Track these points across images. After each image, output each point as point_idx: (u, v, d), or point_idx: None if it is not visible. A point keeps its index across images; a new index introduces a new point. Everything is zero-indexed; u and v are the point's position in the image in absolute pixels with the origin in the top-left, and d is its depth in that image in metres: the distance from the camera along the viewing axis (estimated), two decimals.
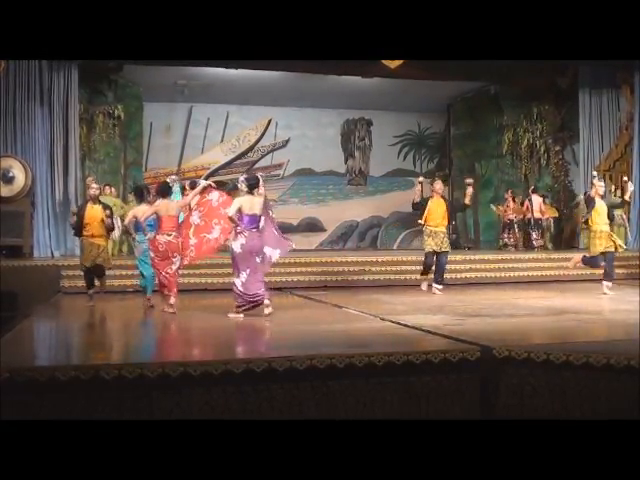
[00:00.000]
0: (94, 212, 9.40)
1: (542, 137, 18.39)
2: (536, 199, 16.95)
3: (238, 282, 7.95)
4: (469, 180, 11.36)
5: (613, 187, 15.73)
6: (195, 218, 8.59)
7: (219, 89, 18.17)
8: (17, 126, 13.52)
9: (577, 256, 11.14)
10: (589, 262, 10.67)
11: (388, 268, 12.77)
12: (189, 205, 8.61)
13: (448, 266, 13.05)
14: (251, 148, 20.98)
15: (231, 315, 7.95)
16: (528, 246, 16.82)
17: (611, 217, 11.16)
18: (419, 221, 10.62)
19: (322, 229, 21.37)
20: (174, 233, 8.32)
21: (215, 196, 8.83)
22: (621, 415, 4.63)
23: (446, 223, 10.72)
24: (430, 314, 8.01)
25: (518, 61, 11.39)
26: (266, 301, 7.99)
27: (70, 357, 6.13)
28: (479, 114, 19.91)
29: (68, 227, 13.94)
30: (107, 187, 14.86)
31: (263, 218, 8.16)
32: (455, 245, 17.80)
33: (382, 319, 7.54)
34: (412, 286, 11.98)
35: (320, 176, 21.45)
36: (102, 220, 9.36)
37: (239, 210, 7.87)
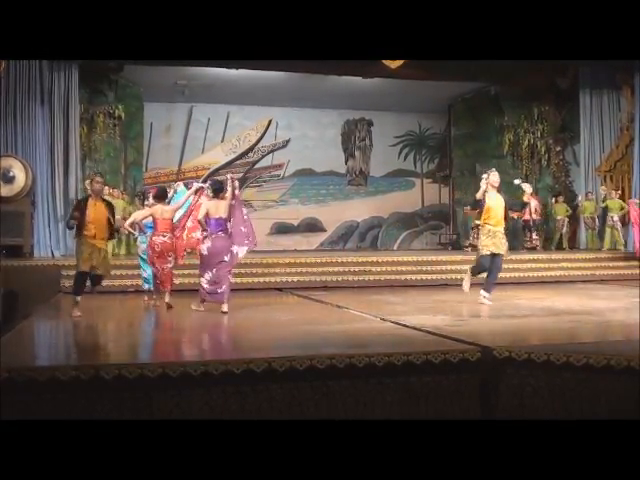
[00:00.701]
0: (98, 209, 8.20)
1: (543, 138, 18.40)
2: (533, 201, 17.01)
3: (203, 280, 8.51)
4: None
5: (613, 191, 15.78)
6: (189, 222, 9.31)
7: (219, 89, 18.18)
8: (17, 126, 13.53)
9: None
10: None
11: (388, 268, 12.77)
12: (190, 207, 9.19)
13: (448, 266, 13.09)
14: (251, 148, 21.00)
15: (193, 306, 8.66)
16: (527, 247, 16.90)
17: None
18: (476, 221, 9.46)
19: (322, 229, 21.38)
20: (169, 234, 8.88)
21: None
22: (621, 415, 4.63)
23: (504, 223, 9.52)
24: (430, 314, 8.01)
25: (519, 61, 11.38)
26: (224, 306, 8.42)
27: (70, 357, 6.13)
28: (480, 115, 19.91)
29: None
30: (114, 189, 14.93)
31: (232, 219, 8.63)
32: (456, 246, 17.86)
33: (382, 319, 7.54)
34: (412, 286, 12.00)
35: (320, 176, 21.47)
36: (107, 219, 8.26)
37: (206, 214, 8.39)
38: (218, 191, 8.64)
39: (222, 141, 20.73)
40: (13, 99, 13.52)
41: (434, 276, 12.72)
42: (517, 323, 7.41)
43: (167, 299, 8.82)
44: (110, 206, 8.48)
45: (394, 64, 14.70)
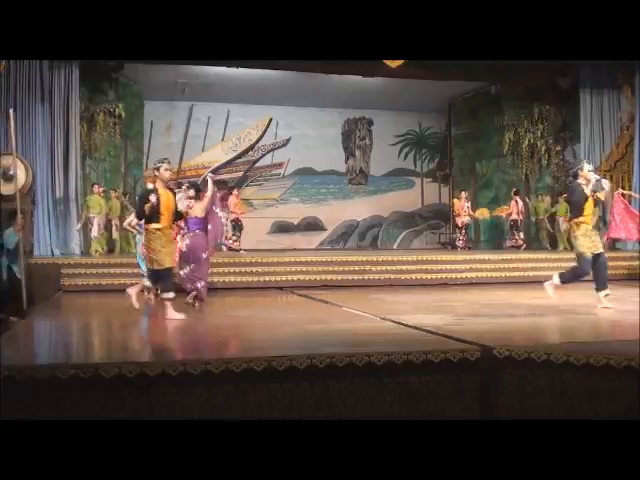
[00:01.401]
0: (168, 198, 7.71)
1: (543, 137, 18.40)
2: (520, 201, 17.11)
3: (182, 273, 8.90)
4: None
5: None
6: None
7: (220, 88, 18.20)
8: (18, 125, 13.50)
9: None
10: None
11: (388, 268, 12.77)
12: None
13: (447, 266, 13.10)
14: (252, 147, 21.02)
15: (189, 300, 8.94)
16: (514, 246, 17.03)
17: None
18: (575, 220, 8.80)
19: (322, 228, 21.40)
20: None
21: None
22: (621, 415, 4.63)
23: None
24: (430, 314, 8.01)
25: (519, 61, 11.38)
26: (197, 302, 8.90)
27: (70, 356, 6.12)
28: (480, 114, 19.93)
29: (68, 225, 13.99)
30: (112, 191, 15.02)
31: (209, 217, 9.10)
32: (454, 245, 17.87)
33: (382, 319, 7.54)
34: (412, 285, 12.00)
35: (321, 175, 21.50)
36: (176, 210, 7.81)
37: (185, 214, 8.64)
38: (197, 192, 9.08)
39: (222, 140, 20.75)
40: (13, 97, 13.51)
41: (434, 275, 12.73)
42: (517, 322, 7.41)
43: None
44: (174, 195, 7.97)
45: (395, 63, 14.70)
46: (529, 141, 18.49)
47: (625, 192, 13.99)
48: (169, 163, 8.01)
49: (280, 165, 21.24)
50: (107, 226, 15.09)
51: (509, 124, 18.74)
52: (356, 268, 12.64)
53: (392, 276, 12.53)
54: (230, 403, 4.71)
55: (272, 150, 21.22)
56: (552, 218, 17.28)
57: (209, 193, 8.97)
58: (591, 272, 8.52)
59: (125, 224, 10.18)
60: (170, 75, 17.01)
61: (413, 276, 12.54)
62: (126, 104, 16.92)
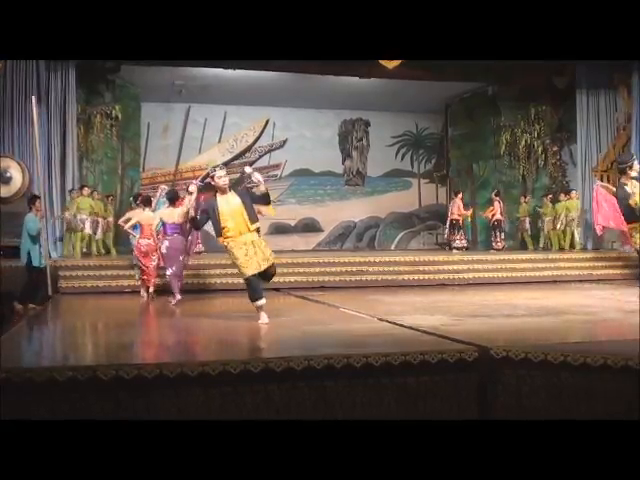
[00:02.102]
0: (231, 204, 7.40)
1: (540, 138, 18.42)
2: (498, 203, 17.19)
3: (169, 272, 9.83)
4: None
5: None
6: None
7: (217, 89, 18.19)
8: (14, 126, 13.51)
9: None
10: None
11: (386, 269, 12.76)
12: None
13: (445, 266, 13.10)
14: (249, 148, 21.01)
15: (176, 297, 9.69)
16: (491, 248, 17.10)
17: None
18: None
19: (320, 229, 21.40)
20: (152, 238, 10.17)
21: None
22: (618, 416, 4.63)
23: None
24: (427, 314, 8.01)
25: (515, 61, 11.40)
26: (177, 295, 9.73)
27: (67, 358, 6.11)
28: (477, 115, 19.94)
29: (65, 227, 14.00)
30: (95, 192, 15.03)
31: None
32: (452, 246, 17.85)
33: (380, 319, 7.53)
34: (410, 286, 12.01)
35: (318, 176, 21.49)
36: (245, 207, 7.39)
37: (161, 220, 9.82)
38: (173, 200, 9.95)
39: (219, 141, 20.75)
40: (10, 99, 13.50)
41: (431, 276, 12.73)
42: (514, 323, 7.41)
43: (151, 290, 10.32)
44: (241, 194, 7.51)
45: (391, 64, 14.72)
46: (526, 141, 18.51)
47: (604, 184, 14.07)
48: (221, 168, 7.66)
49: (277, 166, 21.23)
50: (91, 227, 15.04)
51: (506, 125, 18.75)
52: (353, 269, 12.64)
53: (389, 277, 12.53)
54: (227, 404, 4.70)
55: (269, 151, 21.21)
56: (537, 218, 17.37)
57: (192, 200, 9.39)
58: None
59: (127, 227, 10.82)
60: (167, 77, 17.01)
61: (410, 277, 12.54)
62: (123, 106, 16.91)
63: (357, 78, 17.04)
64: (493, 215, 17.35)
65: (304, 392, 4.85)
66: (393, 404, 4.97)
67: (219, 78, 17.01)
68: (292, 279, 12.08)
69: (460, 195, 17.62)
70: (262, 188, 7.39)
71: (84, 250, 14.42)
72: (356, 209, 21.71)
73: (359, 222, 21.75)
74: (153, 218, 10.16)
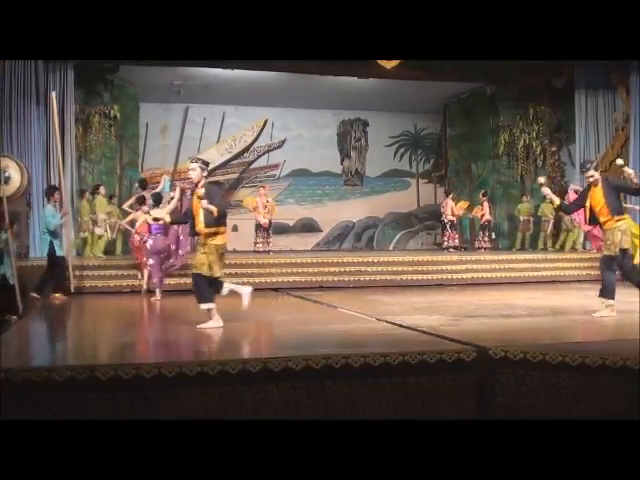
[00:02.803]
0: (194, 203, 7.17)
1: (538, 138, 18.41)
2: (486, 203, 17.20)
3: (150, 262, 10.70)
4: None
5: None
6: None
7: (215, 90, 18.18)
8: (13, 126, 13.49)
9: None
10: None
11: (384, 269, 12.77)
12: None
13: (443, 266, 13.11)
14: (247, 149, 20.99)
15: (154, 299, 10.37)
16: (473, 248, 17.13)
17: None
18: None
19: (318, 230, 21.39)
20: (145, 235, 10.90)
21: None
22: (617, 416, 4.63)
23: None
24: (426, 315, 8.02)
25: (514, 61, 11.40)
26: (157, 291, 10.53)
27: (66, 357, 6.11)
28: (475, 115, 19.92)
29: (63, 227, 13.96)
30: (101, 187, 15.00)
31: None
32: (445, 246, 17.85)
33: (378, 319, 7.54)
34: (408, 286, 12.01)
35: (316, 177, 21.48)
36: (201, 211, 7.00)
37: (145, 221, 10.67)
38: (157, 202, 10.85)
39: (218, 141, 20.73)
40: (8, 99, 13.49)
41: (430, 276, 12.74)
42: (513, 323, 7.42)
43: (145, 279, 11.14)
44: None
45: (390, 64, 14.71)
46: (524, 142, 18.50)
47: (575, 187, 14.24)
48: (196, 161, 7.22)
49: (275, 166, 21.22)
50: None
51: (504, 125, 18.74)
52: (352, 269, 12.65)
53: (388, 277, 12.54)
54: (226, 404, 4.71)
55: (267, 151, 21.19)
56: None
57: (174, 202, 10.60)
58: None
59: (124, 223, 11.78)
60: (165, 77, 16.99)
61: (409, 277, 12.55)
62: (121, 106, 16.88)
63: (355, 78, 17.03)
64: (482, 215, 17.35)
65: (303, 392, 4.86)
66: (392, 404, 4.98)
67: (218, 78, 16.99)
68: (290, 279, 12.10)
69: (452, 196, 17.65)
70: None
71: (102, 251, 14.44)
72: (354, 209, 21.69)
73: (357, 222, 21.74)
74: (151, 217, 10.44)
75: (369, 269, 12.74)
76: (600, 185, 7.68)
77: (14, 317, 9.55)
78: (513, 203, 18.23)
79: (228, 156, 20.82)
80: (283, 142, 21.19)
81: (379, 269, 12.76)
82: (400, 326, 6.93)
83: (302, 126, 21.18)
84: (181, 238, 11.04)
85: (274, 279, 12.11)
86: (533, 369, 5.04)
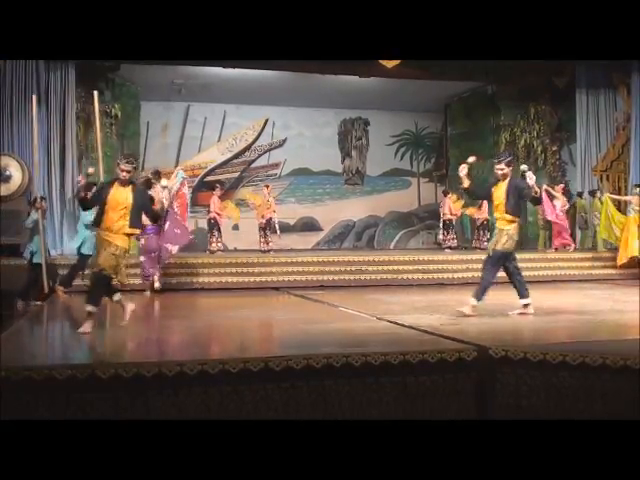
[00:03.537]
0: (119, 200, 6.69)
1: (539, 137, 18.41)
2: (485, 203, 17.20)
3: (142, 258, 11.05)
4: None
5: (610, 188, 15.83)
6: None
7: (216, 88, 18.18)
8: (14, 125, 13.49)
9: None
10: None
11: (385, 268, 12.77)
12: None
13: (444, 266, 13.11)
14: (248, 147, 21.00)
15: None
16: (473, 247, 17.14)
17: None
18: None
19: (319, 229, 21.39)
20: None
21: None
22: (617, 415, 4.63)
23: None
24: (427, 314, 8.01)
25: (515, 61, 11.40)
26: (152, 286, 10.98)
27: (66, 356, 6.12)
28: (476, 114, 19.92)
29: (64, 226, 13.98)
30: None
31: (167, 222, 10.99)
32: (443, 246, 17.85)
33: (379, 319, 7.54)
34: (409, 286, 12.01)
35: (317, 176, 21.48)
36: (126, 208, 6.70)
37: None
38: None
39: (219, 140, 20.73)
40: (10, 97, 13.48)
41: (430, 275, 12.74)
42: (513, 322, 7.41)
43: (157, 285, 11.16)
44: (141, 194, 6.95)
45: (391, 63, 14.70)
46: (525, 141, 18.50)
47: (548, 187, 14.32)
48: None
49: (276, 165, 21.23)
50: None
51: (505, 124, 18.74)
52: (352, 268, 12.65)
53: (389, 276, 12.54)
54: (227, 403, 4.71)
55: (268, 150, 21.20)
56: None
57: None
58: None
59: None
60: (166, 75, 16.99)
61: (410, 276, 12.55)
62: (122, 104, 16.88)
63: (357, 77, 17.02)
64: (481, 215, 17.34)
65: (303, 391, 4.86)
66: (392, 403, 4.98)
67: (219, 77, 16.99)
68: (291, 278, 12.09)
69: (449, 195, 17.66)
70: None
71: None
72: (355, 208, 21.69)
73: (358, 221, 21.74)
74: None
75: (370, 268, 12.74)
76: (507, 181, 7.68)
77: (38, 303, 10.01)
78: None
79: (229, 155, 20.83)
80: (284, 141, 21.20)
81: (380, 268, 12.76)
82: (401, 325, 6.93)
83: (303, 125, 21.19)
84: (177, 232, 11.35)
85: (275, 278, 12.11)
86: (533, 368, 5.04)
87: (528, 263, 13.53)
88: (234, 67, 15.71)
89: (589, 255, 14.53)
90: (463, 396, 5.13)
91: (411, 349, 5.22)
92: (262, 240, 15.30)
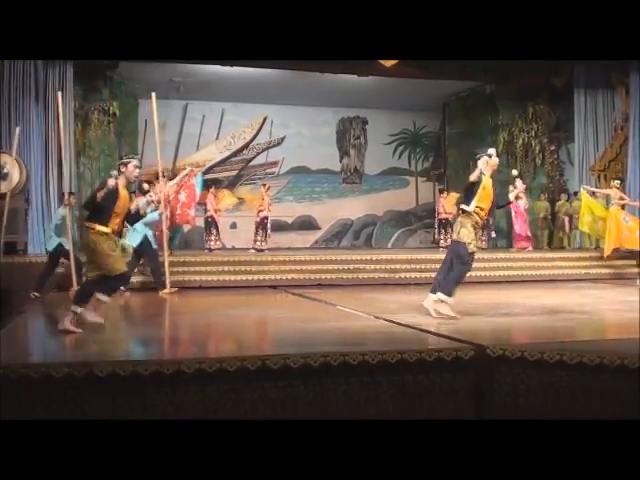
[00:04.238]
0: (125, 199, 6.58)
1: (537, 137, 18.41)
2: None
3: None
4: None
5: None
6: (183, 197, 12.68)
7: (214, 86, 18.16)
8: (12, 122, 13.48)
9: None
10: None
11: (382, 266, 12.76)
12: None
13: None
14: (246, 146, 20.99)
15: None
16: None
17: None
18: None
19: (317, 227, 21.39)
20: None
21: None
22: (614, 415, 4.64)
23: None
24: (424, 313, 8.00)
25: (514, 61, 11.39)
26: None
27: (64, 354, 6.11)
28: (474, 113, 19.91)
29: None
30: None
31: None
32: (440, 245, 17.84)
33: (376, 317, 7.54)
34: (406, 284, 12.00)
35: (315, 174, 21.48)
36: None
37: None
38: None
39: (217, 138, 20.72)
40: (7, 95, 13.48)
41: (428, 274, 12.68)
42: (511, 321, 7.42)
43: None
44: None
45: (389, 62, 14.70)
46: (523, 140, 18.50)
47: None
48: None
49: (274, 164, 21.23)
50: None
51: (503, 123, 18.74)
52: (350, 267, 12.63)
53: (386, 275, 12.53)
54: (224, 402, 4.71)
55: (266, 149, 21.20)
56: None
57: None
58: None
59: None
60: (165, 73, 16.97)
61: (407, 275, 12.53)
62: (120, 102, 16.86)
63: (355, 76, 17.02)
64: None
65: (301, 390, 4.86)
66: (389, 402, 4.98)
67: (217, 75, 16.97)
68: (289, 277, 12.07)
69: (444, 194, 17.66)
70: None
71: None
72: (353, 207, 21.70)
73: (356, 220, 21.75)
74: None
75: (367, 267, 12.73)
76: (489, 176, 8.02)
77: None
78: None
79: (227, 153, 20.83)
80: (282, 139, 21.20)
81: (377, 267, 12.75)
82: (398, 324, 6.94)
83: (301, 124, 21.18)
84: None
85: (272, 276, 12.10)
86: (531, 367, 5.04)
87: (527, 262, 13.58)
88: (232, 65, 15.70)
89: (587, 255, 14.54)
90: (461, 395, 5.13)
91: (409, 348, 5.23)
92: (258, 239, 15.26)
